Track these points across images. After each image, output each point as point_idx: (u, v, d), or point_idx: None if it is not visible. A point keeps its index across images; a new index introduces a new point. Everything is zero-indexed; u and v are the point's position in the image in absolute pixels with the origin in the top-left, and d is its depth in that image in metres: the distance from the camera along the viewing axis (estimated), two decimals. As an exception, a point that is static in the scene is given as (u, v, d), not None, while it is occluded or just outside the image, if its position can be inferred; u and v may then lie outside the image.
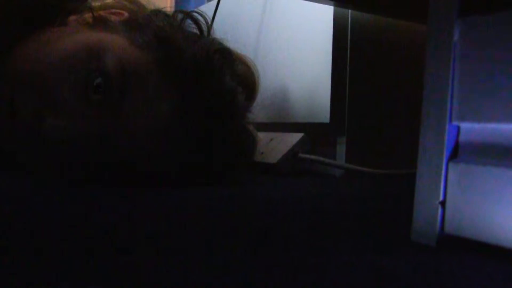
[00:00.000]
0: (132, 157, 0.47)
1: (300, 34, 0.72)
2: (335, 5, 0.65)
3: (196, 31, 0.55)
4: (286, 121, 0.74)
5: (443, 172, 0.28)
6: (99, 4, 0.55)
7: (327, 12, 0.67)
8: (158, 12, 0.53)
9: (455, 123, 0.28)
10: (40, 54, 0.47)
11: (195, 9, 0.57)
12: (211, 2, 0.82)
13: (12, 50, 0.48)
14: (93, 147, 0.46)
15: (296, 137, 0.69)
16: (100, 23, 0.51)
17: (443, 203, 0.28)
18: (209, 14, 0.66)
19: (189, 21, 0.55)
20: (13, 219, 0.33)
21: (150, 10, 0.55)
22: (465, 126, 0.28)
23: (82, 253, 0.25)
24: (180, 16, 0.54)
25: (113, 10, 0.54)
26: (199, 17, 0.55)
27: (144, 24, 0.51)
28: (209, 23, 0.56)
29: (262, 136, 0.60)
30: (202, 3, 1.10)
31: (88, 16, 0.52)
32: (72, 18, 0.53)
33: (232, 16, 0.88)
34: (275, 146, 0.70)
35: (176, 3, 1.29)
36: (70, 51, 0.47)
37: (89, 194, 0.44)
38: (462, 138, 0.28)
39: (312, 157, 0.67)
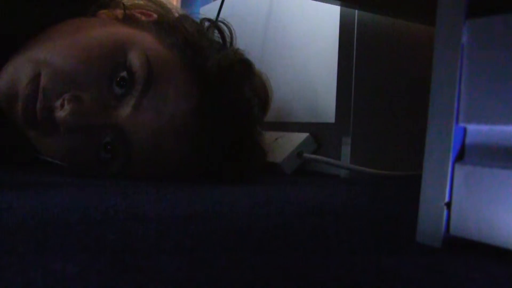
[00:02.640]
0: (144, 152, 0.47)
1: (306, 34, 0.72)
2: (341, 5, 0.65)
3: (220, 40, 0.56)
4: (291, 120, 0.74)
5: (449, 174, 0.27)
6: (130, 3, 0.56)
7: (334, 12, 0.67)
8: (186, 17, 0.55)
9: (461, 124, 0.27)
10: (70, 40, 0.49)
11: (221, 19, 0.58)
12: (218, 1, 0.82)
13: (43, 31, 0.49)
14: (108, 137, 0.47)
15: (301, 137, 0.69)
16: (130, 20, 0.53)
17: (448, 205, 0.28)
18: (215, 13, 0.66)
19: (214, 30, 0.56)
20: (13, 212, 0.33)
21: (178, 15, 0.57)
22: (471, 127, 0.28)
23: (82, 253, 0.25)
24: (207, 24, 0.55)
25: (143, 11, 0.56)
26: (224, 28, 0.57)
27: (174, 26, 0.52)
28: (233, 33, 0.57)
29: (267, 135, 0.61)
30: (209, 2, 1.10)
31: (119, 12, 0.54)
32: (103, 11, 0.55)
33: (237, 16, 0.88)
34: (280, 145, 0.70)
35: (183, 2, 1.29)
36: (100, 42, 0.48)
37: (92, 189, 0.44)
38: (468, 139, 0.28)
39: (317, 157, 0.67)
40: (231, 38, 0.57)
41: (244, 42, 0.58)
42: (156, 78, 0.47)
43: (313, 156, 0.67)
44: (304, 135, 0.69)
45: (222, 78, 0.50)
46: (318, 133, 0.69)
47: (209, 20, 0.56)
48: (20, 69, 0.48)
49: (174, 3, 1.27)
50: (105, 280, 0.20)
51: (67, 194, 0.42)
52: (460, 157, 0.28)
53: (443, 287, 0.22)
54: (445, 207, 0.28)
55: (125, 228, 0.30)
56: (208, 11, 0.89)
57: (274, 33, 0.80)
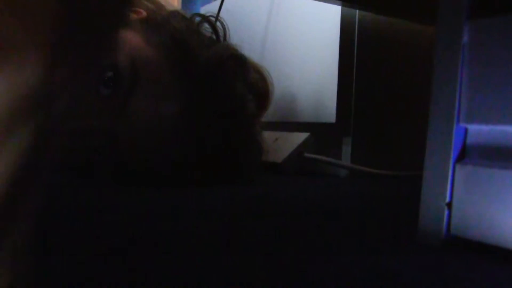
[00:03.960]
0: (134, 155, 0.47)
1: (307, 34, 0.72)
2: (342, 5, 0.65)
3: (212, 35, 0.55)
4: (292, 120, 0.74)
5: (449, 174, 0.27)
6: None
7: (335, 12, 0.67)
8: (176, 14, 0.54)
9: (462, 124, 0.27)
10: None
11: (214, 15, 0.57)
12: (218, 1, 0.82)
13: None
14: (97, 140, 0.46)
15: (301, 136, 0.69)
16: None
17: (449, 205, 0.28)
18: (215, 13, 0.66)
19: (206, 25, 0.55)
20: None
21: (168, 11, 0.56)
22: (472, 128, 0.28)
23: (82, 253, 0.25)
24: (197, 19, 0.55)
25: (132, 8, 0.55)
26: (217, 22, 0.56)
27: (161, 24, 0.51)
28: (226, 28, 0.56)
29: (267, 135, 0.61)
30: (209, 1, 1.10)
31: None
32: None
33: (239, 15, 0.88)
34: (281, 145, 0.70)
35: (183, 2, 1.29)
36: None
37: (92, 191, 0.44)
38: (469, 140, 0.28)
39: (317, 157, 0.67)
40: (224, 32, 0.56)
41: (244, 42, 0.58)
42: (142, 78, 0.46)
43: (314, 156, 0.67)
44: (304, 135, 0.69)
45: (211, 76, 0.49)
46: (319, 133, 0.69)
47: (199, 15, 0.56)
48: None
49: (175, 3, 1.27)
50: (105, 280, 0.20)
51: (67, 192, 0.42)
52: (461, 157, 0.28)
53: (443, 287, 0.22)
54: (445, 207, 0.28)
55: (125, 228, 0.30)
56: (208, 11, 0.89)
57: (275, 33, 0.80)
